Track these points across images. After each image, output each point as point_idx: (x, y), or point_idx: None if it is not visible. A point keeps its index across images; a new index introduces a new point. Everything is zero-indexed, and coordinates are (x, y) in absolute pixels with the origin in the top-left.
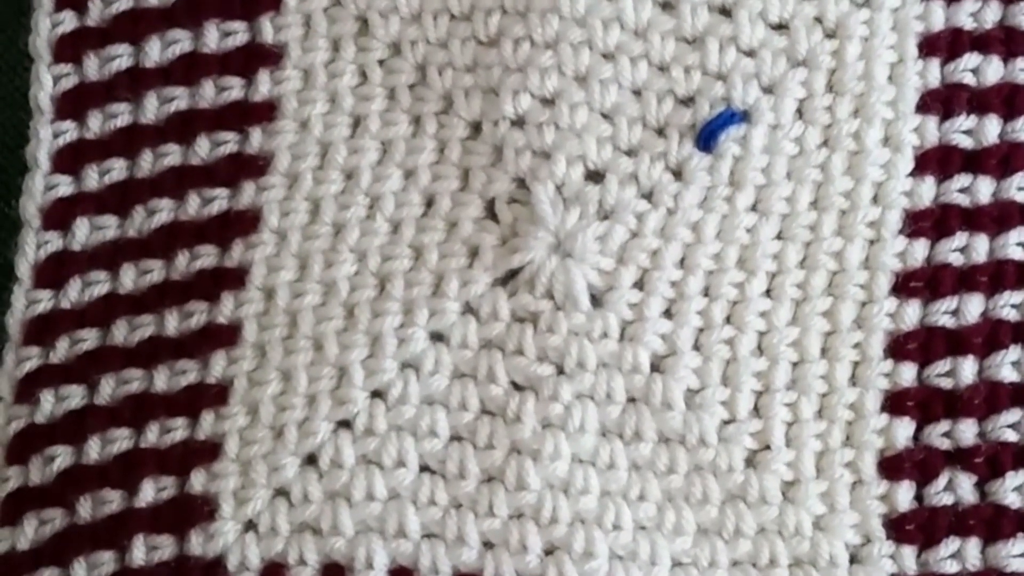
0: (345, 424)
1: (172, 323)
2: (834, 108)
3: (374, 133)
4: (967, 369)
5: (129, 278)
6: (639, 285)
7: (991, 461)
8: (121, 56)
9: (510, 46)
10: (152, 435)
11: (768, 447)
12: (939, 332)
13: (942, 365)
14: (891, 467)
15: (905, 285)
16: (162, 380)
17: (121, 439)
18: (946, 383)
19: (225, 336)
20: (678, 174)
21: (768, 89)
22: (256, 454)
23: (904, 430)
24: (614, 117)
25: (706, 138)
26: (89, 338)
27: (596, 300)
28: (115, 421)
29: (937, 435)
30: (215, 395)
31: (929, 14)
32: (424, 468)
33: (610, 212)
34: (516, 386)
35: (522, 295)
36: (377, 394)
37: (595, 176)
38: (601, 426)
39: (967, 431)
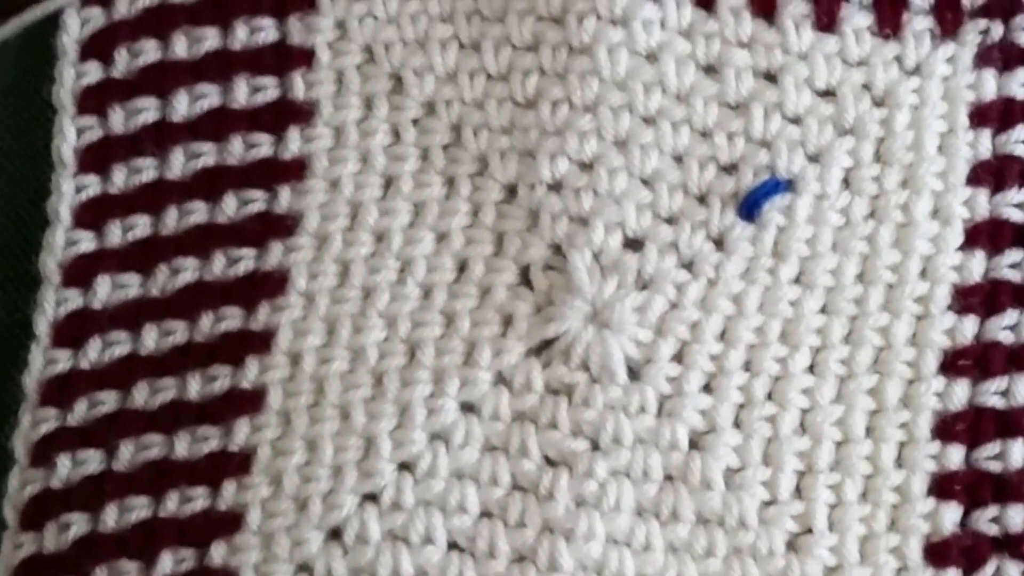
0: (371, 497)
1: (195, 387)
2: (882, 178)
3: (406, 194)
4: (1017, 452)
5: (151, 339)
6: (678, 358)
7: None
8: (148, 109)
9: (548, 108)
10: (172, 504)
11: (810, 530)
12: (988, 413)
13: (991, 448)
14: (937, 553)
15: (954, 363)
16: (183, 446)
17: (139, 507)
18: (995, 466)
19: (249, 402)
20: (720, 244)
21: (814, 158)
22: (279, 527)
23: (951, 515)
24: (654, 183)
25: (749, 207)
26: (108, 401)
27: (633, 373)
28: (133, 488)
29: (985, 521)
30: (238, 464)
31: (981, 83)
32: (452, 545)
33: (649, 282)
34: (549, 461)
35: (557, 366)
36: (405, 466)
37: (634, 244)
38: (637, 505)
39: (1016, 517)
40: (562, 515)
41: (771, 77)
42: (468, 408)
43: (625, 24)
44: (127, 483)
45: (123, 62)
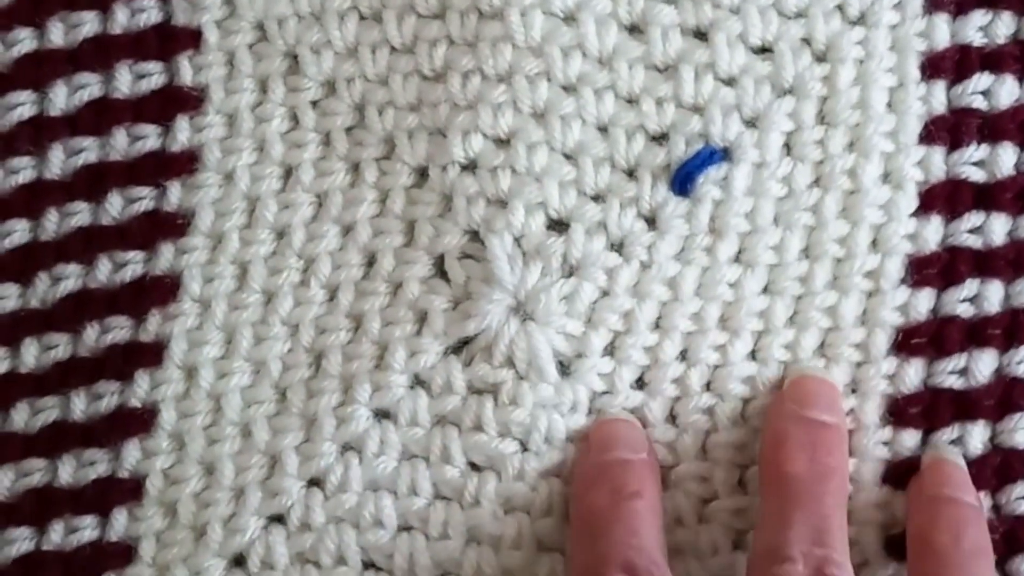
0: (278, 519)
1: (79, 406)
2: (826, 142)
3: (307, 185)
4: (977, 436)
5: (31, 355)
6: (610, 351)
7: (1008, 538)
8: (24, 104)
9: (458, 80)
10: (57, 535)
11: None
12: (945, 395)
13: (949, 432)
14: (897, 545)
15: (906, 342)
16: (68, 472)
17: (21, 540)
18: None
19: (139, 422)
20: (652, 222)
21: (751, 122)
22: (175, 557)
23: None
24: (578, 158)
25: (682, 180)
26: None
27: (563, 368)
28: (14, 519)
29: None
30: (128, 490)
31: (932, 30)
32: (368, 565)
33: (576, 267)
34: (474, 467)
35: (479, 365)
36: (314, 482)
37: (558, 226)
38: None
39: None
40: (489, 523)
41: (701, 35)
42: (383, 415)
43: None
44: (7, 513)
45: None
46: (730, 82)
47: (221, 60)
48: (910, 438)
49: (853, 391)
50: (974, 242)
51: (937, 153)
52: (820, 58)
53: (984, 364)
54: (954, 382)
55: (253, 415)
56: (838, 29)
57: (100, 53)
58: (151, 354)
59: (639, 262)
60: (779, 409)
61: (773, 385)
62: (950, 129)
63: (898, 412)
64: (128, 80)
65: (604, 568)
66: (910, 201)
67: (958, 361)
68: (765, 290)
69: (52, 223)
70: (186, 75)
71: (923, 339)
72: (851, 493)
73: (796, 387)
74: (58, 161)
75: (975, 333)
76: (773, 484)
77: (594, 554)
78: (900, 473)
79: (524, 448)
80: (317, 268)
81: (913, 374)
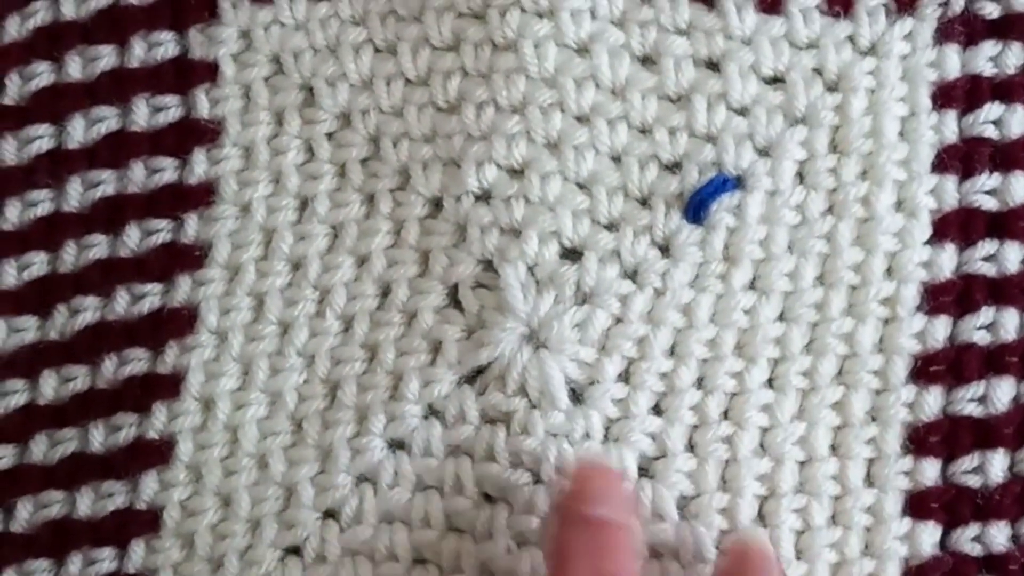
0: (294, 551)
1: (97, 438)
2: (839, 170)
3: (323, 216)
4: (997, 465)
5: (50, 387)
6: (624, 378)
7: None
8: (42, 137)
9: (472, 111)
10: (74, 568)
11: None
12: (964, 423)
13: (969, 460)
14: None
15: (925, 370)
16: (86, 504)
17: (40, 572)
18: (974, 481)
19: (157, 453)
20: (665, 249)
21: (764, 151)
22: None
23: (929, 536)
24: (591, 187)
25: (696, 208)
26: (5, 455)
27: (576, 396)
28: (33, 551)
29: (967, 540)
30: (146, 522)
31: (943, 60)
32: None
33: (590, 295)
34: (487, 498)
35: (492, 393)
36: (330, 514)
37: (572, 254)
38: None
39: (999, 535)
40: (502, 556)
41: (713, 65)
42: (397, 445)
43: (552, 15)
44: (26, 546)
45: (15, 87)
46: (743, 112)
47: (237, 93)
48: (931, 467)
49: (873, 419)
50: (988, 270)
51: (950, 181)
52: (832, 88)
53: (1003, 392)
54: (973, 410)
55: (269, 446)
56: (849, 59)
57: (117, 86)
58: (169, 386)
59: (653, 289)
60: (561, 509)
61: (792, 414)
62: (962, 158)
63: (918, 441)
64: (145, 113)
65: None
66: (924, 229)
67: (976, 389)
68: (780, 317)
69: (70, 255)
70: (203, 108)
71: (941, 367)
72: (870, 525)
73: (577, 482)
74: (76, 194)
75: (993, 361)
76: None
77: None
78: (921, 504)
79: (536, 479)
80: (332, 299)
81: (932, 402)
